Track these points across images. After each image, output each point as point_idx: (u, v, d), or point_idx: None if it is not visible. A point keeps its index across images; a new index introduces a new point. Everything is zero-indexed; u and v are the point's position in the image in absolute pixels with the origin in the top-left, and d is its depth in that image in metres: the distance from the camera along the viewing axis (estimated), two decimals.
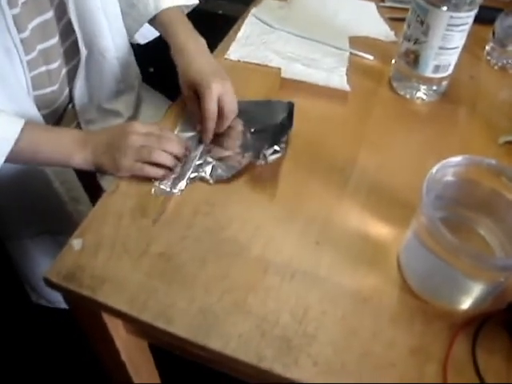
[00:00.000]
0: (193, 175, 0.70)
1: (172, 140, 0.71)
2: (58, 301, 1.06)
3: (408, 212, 0.61)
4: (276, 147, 0.71)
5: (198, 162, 0.71)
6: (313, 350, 0.54)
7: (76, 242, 0.62)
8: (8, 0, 0.65)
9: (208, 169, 0.71)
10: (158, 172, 0.68)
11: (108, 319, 0.63)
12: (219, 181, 0.69)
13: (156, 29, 0.89)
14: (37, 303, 1.10)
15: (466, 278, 0.54)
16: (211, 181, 0.69)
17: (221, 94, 0.72)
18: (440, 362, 0.54)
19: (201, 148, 0.74)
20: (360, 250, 0.63)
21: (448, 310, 0.58)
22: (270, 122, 0.77)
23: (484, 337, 0.56)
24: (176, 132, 0.76)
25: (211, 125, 0.73)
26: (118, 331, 0.67)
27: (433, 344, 0.55)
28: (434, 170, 0.55)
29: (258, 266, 0.61)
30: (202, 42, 0.82)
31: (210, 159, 0.72)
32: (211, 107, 0.72)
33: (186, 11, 0.94)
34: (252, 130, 0.77)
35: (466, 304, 0.57)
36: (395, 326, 0.56)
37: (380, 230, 0.66)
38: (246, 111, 0.79)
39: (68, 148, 0.69)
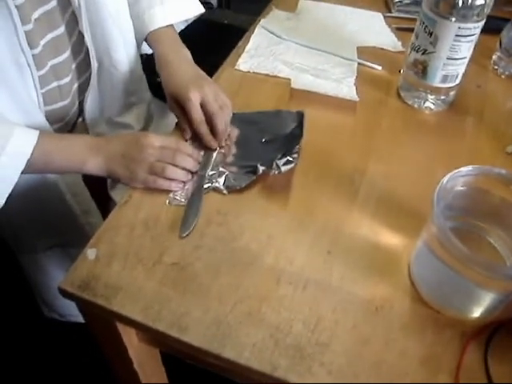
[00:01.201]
0: (206, 185, 0.71)
1: (187, 154, 0.71)
2: (70, 314, 1.07)
3: (418, 221, 0.62)
4: (289, 157, 0.71)
5: (211, 173, 0.72)
6: (326, 359, 0.54)
7: (90, 252, 0.63)
8: (21, 16, 0.66)
9: (221, 179, 0.71)
10: (171, 185, 0.69)
11: (121, 328, 0.64)
12: (233, 191, 0.70)
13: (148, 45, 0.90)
14: (48, 317, 1.10)
15: (476, 287, 0.55)
16: (225, 191, 0.70)
17: (201, 99, 0.74)
18: (452, 371, 0.54)
19: (213, 158, 0.75)
20: (371, 259, 0.64)
21: (459, 318, 0.58)
22: (281, 131, 0.78)
23: (496, 346, 0.56)
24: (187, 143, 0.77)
25: (203, 129, 0.74)
26: (130, 340, 0.68)
27: (444, 353, 0.55)
28: (444, 180, 0.56)
29: (271, 275, 0.61)
30: (185, 53, 0.84)
31: (222, 169, 0.73)
32: (195, 116, 0.74)
33: (183, 26, 0.95)
34: (263, 140, 0.77)
35: (476, 313, 0.58)
36: (406, 335, 0.57)
37: (390, 239, 0.66)
38: (257, 121, 0.80)
39: (81, 155, 0.69)
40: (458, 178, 0.57)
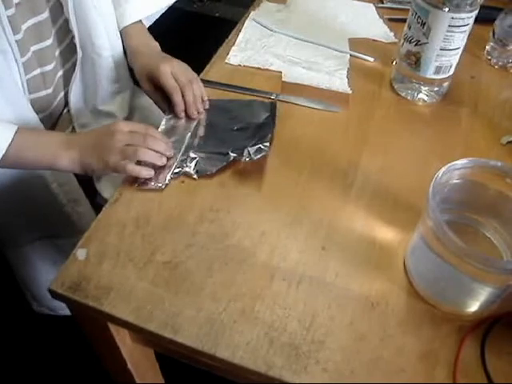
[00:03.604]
0: (177, 170, 0.71)
1: (157, 138, 0.71)
2: (60, 308, 1.06)
3: (413, 215, 0.61)
4: (260, 145, 0.72)
5: (181, 158, 0.72)
6: (321, 357, 0.54)
7: (80, 252, 0.61)
8: (3, 1, 0.65)
9: (192, 164, 0.71)
10: (142, 171, 0.68)
11: (114, 328, 0.63)
12: (203, 176, 0.70)
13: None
14: (38, 312, 1.09)
15: (473, 281, 0.54)
16: (195, 175, 0.70)
17: (172, 70, 0.78)
18: (449, 366, 0.54)
19: (184, 145, 0.75)
20: (366, 254, 0.63)
21: (456, 313, 0.58)
22: (253, 120, 0.79)
23: (493, 339, 0.56)
24: (160, 129, 0.77)
25: (178, 97, 0.78)
26: (123, 340, 0.67)
27: (441, 348, 0.55)
28: (439, 173, 0.55)
29: (265, 272, 0.60)
30: (154, 44, 0.89)
31: (193, 154, 0.73)
32: (170, 83, 0.78)
33: (152, 20, 0.96)
34: (234, 127, 0.78)
35: (473, 307, 0.57)
36: (403, 330, 0.56)
37: (385, 233, 0.65)
38: (229, 110, 0.81)
39: (52, 151, 0.69)
40: (454, 171, 0.57)
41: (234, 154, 0.71)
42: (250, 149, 0.72)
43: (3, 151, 0.65)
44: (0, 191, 0.70)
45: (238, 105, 0.82)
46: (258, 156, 0.71)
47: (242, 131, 0.77)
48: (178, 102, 0.78)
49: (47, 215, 0.90)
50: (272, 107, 0.80)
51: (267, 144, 0.72)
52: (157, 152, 0.70)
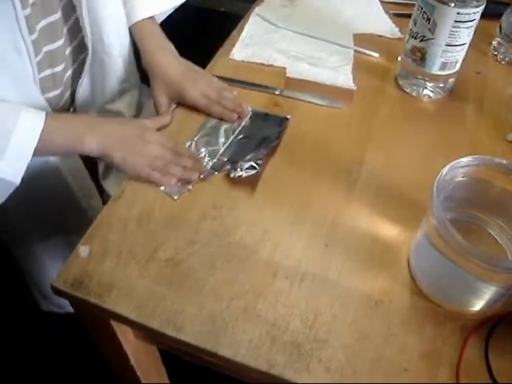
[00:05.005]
0: None
1: (186, 156, 0.72)
2: (68, 304, 1.06)
3: (417, 212, 0.60)
4: (253, 163, 0.71)
5: None
6: (324, 355, 0.53)
7: (83, 249, 0.61)
8: (20, 0, 0.64)
9: None
10: (163, 180, 0.69)
11: (116, 325, 0.63)
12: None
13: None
14: (46, 310, 1.09)
15: (477, 280, 0.53)
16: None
17: (200, 92, 0.79)
18: (452, 365, 0.53)
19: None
20: (370, 251, 0.62)
21: (459, 312, 0.57)
22: (259, 133, 0.77)
23: (497, 339, 0.55)
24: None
25: (217, 111, 0.79)
26: (126, 337, 0.67)
27: (445, 347, 0.54)
28: (443, 171, 0.55)
29: (267, 270, 0.60)
30: (170, 48, 0.86)
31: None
32: (201, 104, 0.79)
33: (163, 17, 0.94)
34: (240, 136, 0.77)
35: (477, 306, 0.56)
36: (406, 329, 0.56)
37: (389, 231, 0.65)
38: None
39: (79, 134, 0.69)
40: (458, 168, 0.56)
41: (228, 167, 0.71)
42: (243, 163, 0.71)
43: (41, 126, 0.65)
44: (18, 188, 0.70)
45: (254, 115, 0.80)
46: (249, 174, 0.70)
47: (243, 141, 0.76)
48: (223, 114, 0.78)
49: (63, 210, 0.90)
50: (284, 124, 0.78)
51: (260, 162, 0.71)
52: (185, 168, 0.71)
